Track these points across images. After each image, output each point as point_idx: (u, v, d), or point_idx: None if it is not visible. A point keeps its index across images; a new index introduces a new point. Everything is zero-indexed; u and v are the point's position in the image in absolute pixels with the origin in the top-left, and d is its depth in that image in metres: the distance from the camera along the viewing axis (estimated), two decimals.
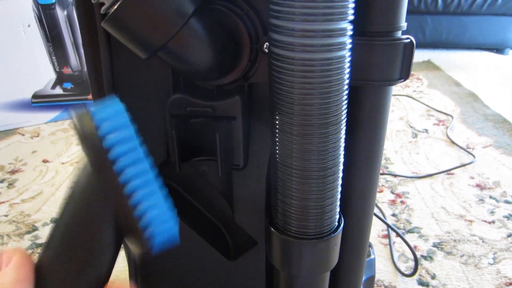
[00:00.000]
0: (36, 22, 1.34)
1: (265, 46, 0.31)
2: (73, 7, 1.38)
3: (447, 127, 1.36)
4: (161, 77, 0.34)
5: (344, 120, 0.29)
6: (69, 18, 1.39)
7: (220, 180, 0.37)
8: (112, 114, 0.18)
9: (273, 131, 0.30)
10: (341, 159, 0.31)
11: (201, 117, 0.33)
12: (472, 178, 1.07)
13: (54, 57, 1.41)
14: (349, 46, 0.27)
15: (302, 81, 0.27)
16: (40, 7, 1.33)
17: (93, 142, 0.17)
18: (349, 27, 0.26)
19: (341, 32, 0.26)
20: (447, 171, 1.09)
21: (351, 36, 0.27)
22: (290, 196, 0.31)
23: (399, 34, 0.32)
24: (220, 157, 0.32)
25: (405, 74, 0.32)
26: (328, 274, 0.36)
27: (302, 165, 0.29)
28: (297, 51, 0.26)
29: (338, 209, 0.33)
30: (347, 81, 0.28)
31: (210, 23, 0.28)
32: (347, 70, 0.28)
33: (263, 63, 0.32)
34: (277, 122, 0.29)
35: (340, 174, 0.32)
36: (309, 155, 0.29)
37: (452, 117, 1.42)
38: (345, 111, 0.29)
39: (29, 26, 1.34)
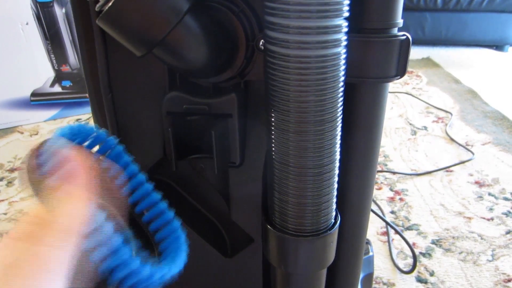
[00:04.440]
0: (35, 20, 1.34)
1: (261, 43, 0.31)
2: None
3: (446, 124, 1.36)
4: (157, 74, 0.34)
5: (340, 117, 0.29)
6: (67, 16, 1.38)
7: (217, 178, 0.37)
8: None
9: (269, 129, 0.30)
10: (337, 156, 0.31)
11: (197, 114, 0.33)
12: (471, 175, 1.07)
13: (52, 55, 1.41)
14: (345, 43, 0.27)
15: (297, 78, 0.27)
16: (38, 5, 1.33)
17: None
18: (344, 23, 0.26)
19: (336, 29, 0.26)
20: (446, 168, 1.10)
21: (347, 33, 0.27)
22: (287, 193, 0.31)
23: (395, 31, 0.32)
24: (216, 154, 0.32)
25: (401, 71, 0.32)
26: (324, 271, 0.36)
27: (298, 162, 0.29)
28: (292, 48, 0.26)
29: (334, 206, 0.33)
30: (342, 78, 0.28)
31: (205, 21, 0.28)
32: (343, 67, 0.28)
33: (259, 61, 0.32)
34: (273, 119, 0.29)
35: (337, 171, 0.32)
36: (305, 152, 0.29)
37: (451, 114, 1.42)
38: (341, 108, 0.29)
39: (27, 24, 1.33)
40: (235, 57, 0.32)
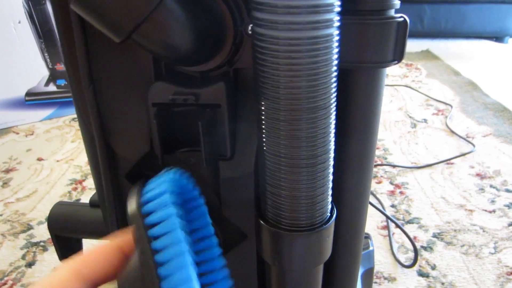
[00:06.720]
0: (27, 18, 1.32)
1: (249, 28, 0.30)
2: None
3: (446, 117, 1.34)
4: (142, 64, 0.32)
5: (334, 104, 0.28)
6: None
7: (207, 172, 0.36)
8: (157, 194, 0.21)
9: (259, 118, 0.28)
10: (332, 146, 0.29)
11: (184, 105, 0.32)
12: (472, 167, 1.05)
13: (46, 54, 1.39)
14: (337, 23, 0.25)
15: (288, 62, 0.25)
16: (30, 3, 1.31)
17: (135, 219, 0.20)
18: (337, 2, 0.25)
19: (328, 8, 0.24)
20: (447, 161, 1.08)
21: (340, 13, 0.25)
22: (279, 186, 0.29)
23: (392, 12, 0.30)
24: (204, 147, 0.31)
25: (398, 55, 0.30)
26: (321, 268, 0.34)
27: (291, 153, 0.28)
28: (281, 30, 0.24)
29: (330, 199, 0.32)
30: (336, 62, 0.26)
31: (188, 3, 0.26)
32: (336, 50, 0.26)
33: (248, 47, 0.30)
34: (263, 108, 0.28)
35: (331, 162, 0.30)
36: (297, 142, 0.27)
37: (452, 107, 1.40)
38: (334, 94, 0.27)
39: (19, 22, 1.31)
40: (223, 43, 0.30)
